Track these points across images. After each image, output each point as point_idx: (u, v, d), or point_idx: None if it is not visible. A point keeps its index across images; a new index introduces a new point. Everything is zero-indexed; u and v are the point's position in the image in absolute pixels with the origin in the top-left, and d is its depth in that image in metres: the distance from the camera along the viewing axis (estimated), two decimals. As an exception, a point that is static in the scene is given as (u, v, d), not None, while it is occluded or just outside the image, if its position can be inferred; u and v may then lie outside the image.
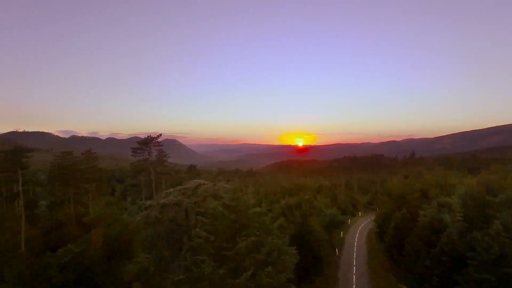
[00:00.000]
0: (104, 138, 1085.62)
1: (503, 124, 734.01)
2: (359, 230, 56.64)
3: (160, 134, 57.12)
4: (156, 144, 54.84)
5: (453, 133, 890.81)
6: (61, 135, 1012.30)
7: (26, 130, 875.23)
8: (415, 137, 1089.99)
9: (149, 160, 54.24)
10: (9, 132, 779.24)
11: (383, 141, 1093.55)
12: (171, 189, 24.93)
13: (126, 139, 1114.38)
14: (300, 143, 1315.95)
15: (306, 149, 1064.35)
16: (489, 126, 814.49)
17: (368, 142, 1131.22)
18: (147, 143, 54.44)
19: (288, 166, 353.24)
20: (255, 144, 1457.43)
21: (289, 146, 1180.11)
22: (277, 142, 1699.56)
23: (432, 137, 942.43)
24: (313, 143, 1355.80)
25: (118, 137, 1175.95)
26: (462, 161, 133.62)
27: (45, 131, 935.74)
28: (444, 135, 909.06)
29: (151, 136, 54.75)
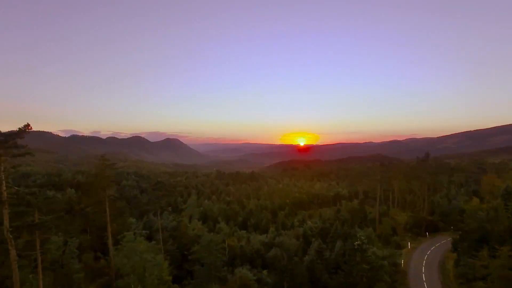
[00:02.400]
0: (105, 137, 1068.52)
1: (509, 123, 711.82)
2: (426, 283, 36.49)
3: (28, 125, 22.28)
4: (13, 148, 21.90)
5: (456, 132, 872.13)
6: (62, 134, 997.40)
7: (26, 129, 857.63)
8: (417, 137, 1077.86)
9: None
10: (9, 132, 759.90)
11: (386, 140, 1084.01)
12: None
13: (128, 138, 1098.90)
14: (302, 142, 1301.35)
15: (308, 149, 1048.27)
16: (493, 126, 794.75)
17: (370, 142, 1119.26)
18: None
19: (292, 167, 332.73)
20: (256, 143, 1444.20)
21: (291, 146, 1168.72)
22: (278, 142, 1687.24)
23: (436, 136, 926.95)
24: (315, 143, 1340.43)
25: (120, 136, 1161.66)
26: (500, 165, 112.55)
27: (46, 130, 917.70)
28: (447, 134, 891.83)
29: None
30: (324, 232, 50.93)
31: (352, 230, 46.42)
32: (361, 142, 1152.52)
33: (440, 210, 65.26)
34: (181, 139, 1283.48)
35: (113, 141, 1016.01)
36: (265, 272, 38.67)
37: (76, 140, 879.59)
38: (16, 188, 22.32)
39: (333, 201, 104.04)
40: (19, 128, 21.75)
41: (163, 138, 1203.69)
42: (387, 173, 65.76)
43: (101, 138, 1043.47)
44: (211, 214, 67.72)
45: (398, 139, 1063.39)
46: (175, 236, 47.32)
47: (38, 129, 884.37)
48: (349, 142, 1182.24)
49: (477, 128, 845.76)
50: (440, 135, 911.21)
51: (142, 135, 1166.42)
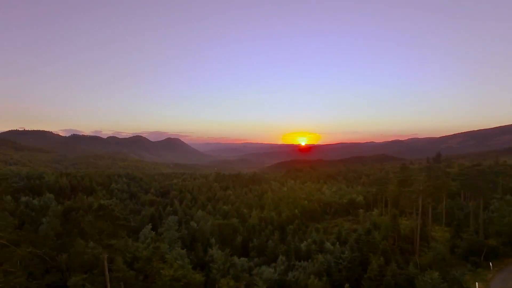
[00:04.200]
0: (105, 137, 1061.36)
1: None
2: None
3: None
4: None
5: (459, 132, 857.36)
6: (62, 134, 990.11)
7: (27, 129, 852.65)
8: (419, 137, 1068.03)
9: None
10: (9, 131, 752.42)
11: (387, 140, 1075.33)
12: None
13: (129, 138, 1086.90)
14: (303, 142, 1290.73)
15: (309, 149, 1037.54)
16: (497, 126, 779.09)
17: (372, 142, 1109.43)
18: None
19: (295, 167, 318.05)
20: (257, 143, 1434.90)
21: (292, 145, 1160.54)
22: (279, 141, 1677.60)
23: (438, 136, 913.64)
24: (316, 142, 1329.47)
25: (121, 136, 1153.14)
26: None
27: (48, 130, 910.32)
28: (450, 134, 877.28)
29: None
30: (354, 265, 36.87)
31: (403, 271, 32.19)
32: (362, 142, 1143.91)
33: (495, 229, 50.92)
34: (182, 139, 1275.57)
35: (114, 141, 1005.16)
36: None
37: (76, 139, 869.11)
38: None
39: (348, 210, 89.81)
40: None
41: (164, 138, 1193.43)
42: (434, 180, 50.83)
43: (102, 137, 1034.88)
44: (201, 234, 53.30)
45: (400, 139, 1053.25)
46: (147, 275, 33.49)
47: (38, 129, 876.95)
48: (350, 142, 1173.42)
49: (480, 128, 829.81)
50: (442, 135, 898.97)
51: (143, 135, 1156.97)
